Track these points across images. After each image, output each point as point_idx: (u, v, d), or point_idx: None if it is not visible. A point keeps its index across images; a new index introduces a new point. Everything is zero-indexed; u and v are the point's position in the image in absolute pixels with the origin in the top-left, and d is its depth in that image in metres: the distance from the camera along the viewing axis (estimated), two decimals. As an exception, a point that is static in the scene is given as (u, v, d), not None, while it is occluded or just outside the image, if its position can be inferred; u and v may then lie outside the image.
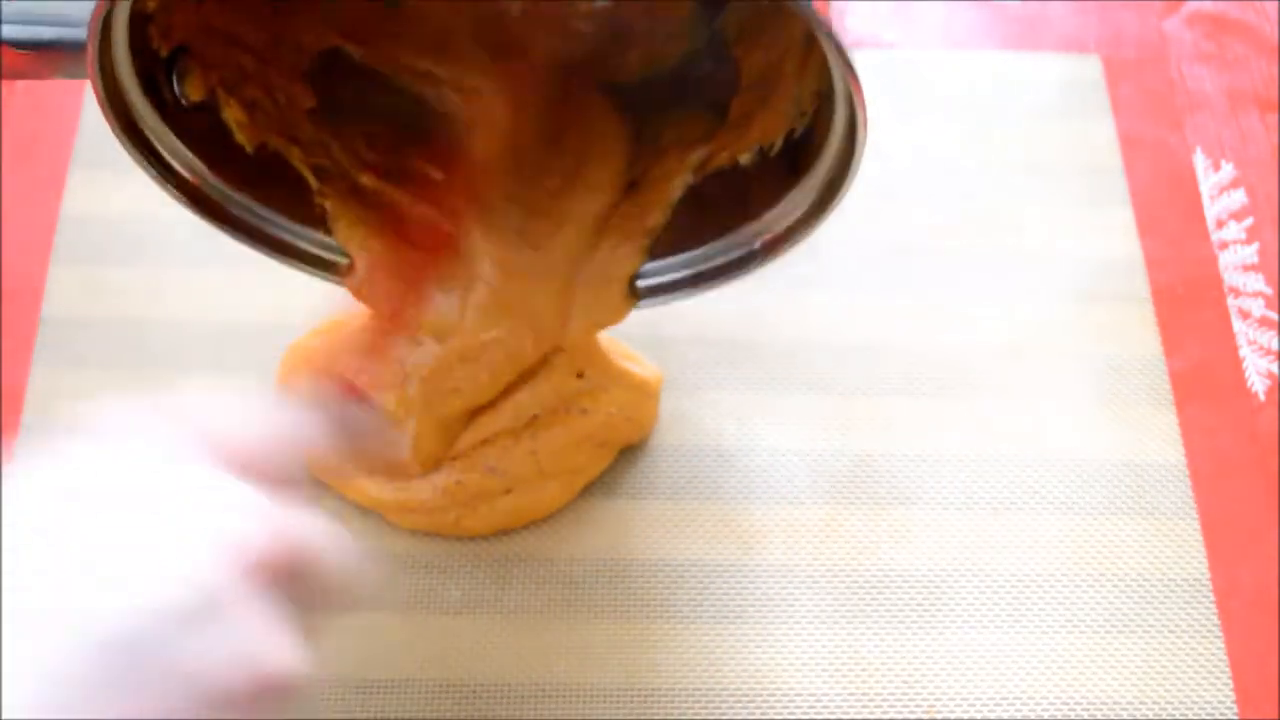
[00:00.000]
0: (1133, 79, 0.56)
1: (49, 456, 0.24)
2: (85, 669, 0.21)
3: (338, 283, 0.40)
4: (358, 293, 0.40)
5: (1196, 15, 0.59)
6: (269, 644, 0.24)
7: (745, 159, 0.38)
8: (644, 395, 0.46)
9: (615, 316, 0.41)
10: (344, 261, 0.40)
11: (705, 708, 0.42)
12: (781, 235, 0.38)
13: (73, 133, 0.53)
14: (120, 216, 0.51)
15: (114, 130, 0.34)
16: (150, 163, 0.36)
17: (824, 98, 0.34)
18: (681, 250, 0.40)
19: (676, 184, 0.39)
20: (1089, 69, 0.57)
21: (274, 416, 0.28)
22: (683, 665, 0.43)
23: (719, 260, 0.40)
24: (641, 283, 0.41)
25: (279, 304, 0.49)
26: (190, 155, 0.37)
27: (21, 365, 0.48)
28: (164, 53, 0.34)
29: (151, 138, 0.36)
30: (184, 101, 0.36)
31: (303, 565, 0.25)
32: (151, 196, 0.52)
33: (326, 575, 0.26)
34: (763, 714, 0.42)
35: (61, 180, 0.52)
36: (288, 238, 0.40)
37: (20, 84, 0.54)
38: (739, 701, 0.42)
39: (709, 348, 0.49)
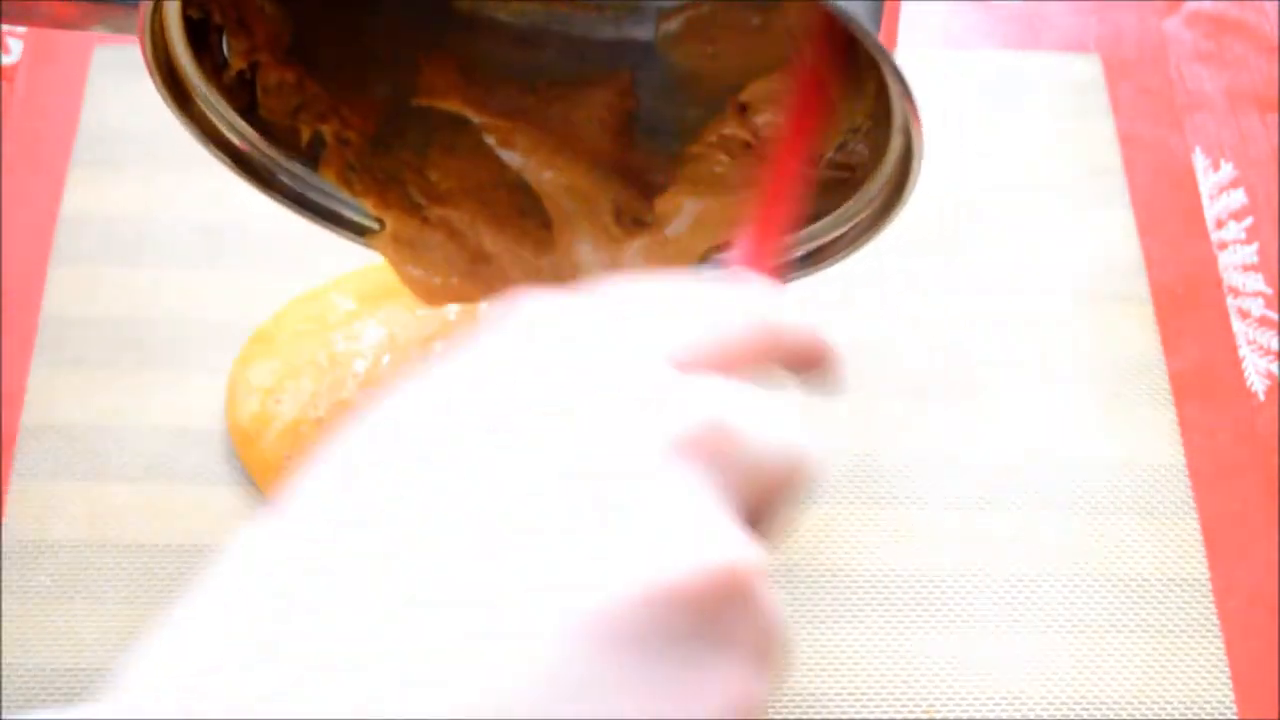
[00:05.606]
0: (1132, 79, 0.56)
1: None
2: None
3: (373, 247, 0.40)
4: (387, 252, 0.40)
5: (1196, 15, 0.59)
6: (709, 530, 0.18)
7: None
8: None
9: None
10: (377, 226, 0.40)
11: (705, 708, 0.42)
12: (827, 246, 0.37)
13: (73, 133, 0.53)
14: (120, 216, 0.51)
15: (158, 88, 0.33)
16: (192, 123, 0.35)
17: (877, 119, 0.33)
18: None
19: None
20: (1088, 68, 0.57)
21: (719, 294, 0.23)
22: (683, 665, 0.43)
23: None
24: None
25: (279, 303, 0.49)
26: (240, 121, 0.36)
27: (21, 365, 0.48)
28: (216, 18, 0.34)
29: (198, 100, 0.35)
30: (226, 68, 0.35)
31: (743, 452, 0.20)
32: (151, 196, 0.53)
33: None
34: (762, 714, 0.42)
35: (61, 180, 0.52)
36: (331, 204, 0.39)
37: (20, 84, 0.54)
38: (739, 701, 0.42)
39: (709, 348, 0.49)
